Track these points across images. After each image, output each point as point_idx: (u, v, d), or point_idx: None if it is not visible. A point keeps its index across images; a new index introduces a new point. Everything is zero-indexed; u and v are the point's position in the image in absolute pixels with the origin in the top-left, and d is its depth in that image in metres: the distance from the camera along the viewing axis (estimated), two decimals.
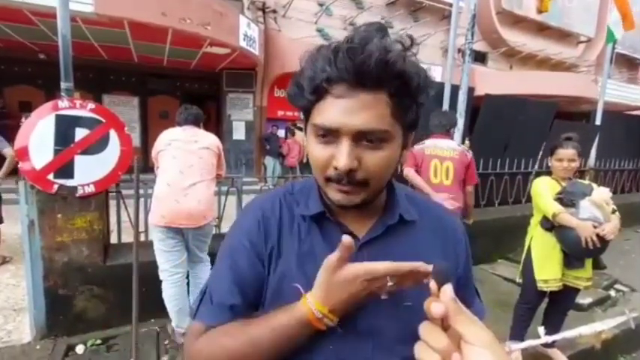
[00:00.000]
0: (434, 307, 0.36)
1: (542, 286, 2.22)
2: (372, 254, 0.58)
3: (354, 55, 0.48)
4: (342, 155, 0.51)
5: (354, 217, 0.62)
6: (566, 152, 2.15)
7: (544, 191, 2.20)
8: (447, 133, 2.81)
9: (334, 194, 0.55)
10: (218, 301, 0.60)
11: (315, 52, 0.53)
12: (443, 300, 0.37)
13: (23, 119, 3.68)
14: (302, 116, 0.60)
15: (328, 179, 0.54)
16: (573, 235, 2.03)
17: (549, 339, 1.65)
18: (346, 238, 0.48)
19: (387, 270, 0.48)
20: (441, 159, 2.69)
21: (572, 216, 2.05)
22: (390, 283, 0.48)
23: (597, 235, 1.96)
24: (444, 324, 0.36)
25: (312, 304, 0.51)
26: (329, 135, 0.52)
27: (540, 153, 4.62)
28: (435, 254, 0.61)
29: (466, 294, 0.67)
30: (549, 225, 2.19)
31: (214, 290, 0.62)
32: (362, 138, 0.51)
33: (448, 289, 0.37)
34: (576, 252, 2.11)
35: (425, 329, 0.37)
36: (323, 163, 0.54)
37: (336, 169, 0.52)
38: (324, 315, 0.51)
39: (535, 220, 2.32)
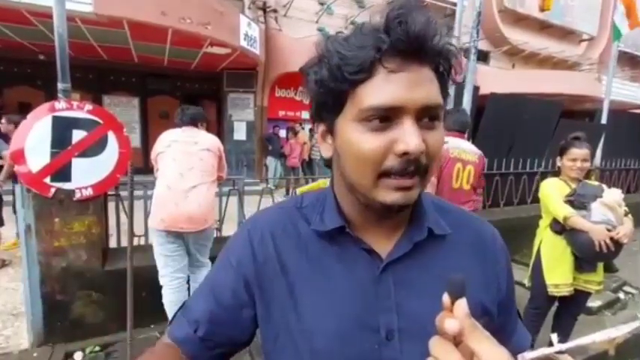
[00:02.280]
0: (448, 323, 0.33)
1: (552, 290, 2.16)
2: (398, 276, 0.51)
3: (411, 23, 0.42)
4: (412, 136, 0.43)
5: (377, 232, 0.53)
6: (581, 152, 2.09)
7: (553, 193, 2.14)
8: (463, 133, 2.63)
9: (390, 194, 0.46)
10: (189, 317, 0.56)
11: (348, 34, 0.46)
12: (457, 315, 0.34)
13: (3, 121, 3.65)
14: (313, 112, 0.51)
15: (384, 174, 0.45)
16: (585, 239, 1.97)
17: (563, 347, 1.58)
18: None
19: None
20: (464, 163, 2.50)
21: (584, 219, 2.00)
22: None
23: (611, 239, 1.90)
24: (456, 339, 0.34)
25: None
26: (384, 118, 0.44)
27: (546, 153, 4.56)
28: (474, 275, 0.54)
29: (508, 320, 0.59)
30: (559, 228, 2.13)
31: (189, 305, 0.58)
32: (423, 116, 0.45)
33: (462, 304, 0.34)
34: (589, 256, 2.05)
35: (435, 344, 0.35)
36: (379, 153, 0.44)
37: (403, 154, 0.43)
38: None
39: (544, 223, 2.26)
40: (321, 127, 0.52)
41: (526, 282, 2.39)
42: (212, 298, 0.55)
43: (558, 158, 2.22)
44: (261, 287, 0.53)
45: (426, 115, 0.45)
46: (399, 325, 0.49)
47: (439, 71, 0.47)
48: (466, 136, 2.71)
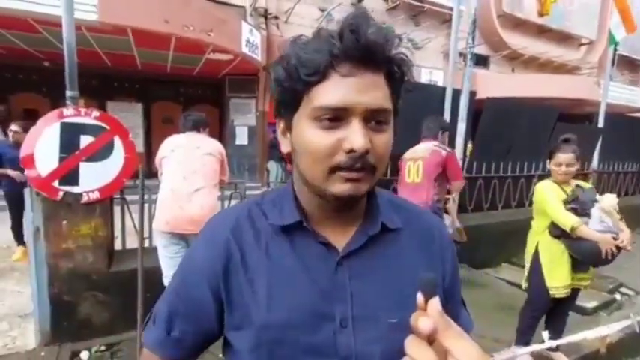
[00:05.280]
0: (422, 322, 0.34)
1: (554, 292, 2.19)
2: (353, 267, 0.55)
3: (361, 33, 0.46)
4: (357, 135, 0.47)
5: (333, 226, 0.57)
6: (565, 157, 2.12)
7: (552, 199, 2.13)
8: (434, 137, 2.80)
9: (340, 186, 0.49)
10: (159, 324, 0.58)
11: (312, 36, 0.50)
12: (430, 314, 0.35)
13: (13, 128, 3.78)
14: (274, 109, 0.56)
15: (335, 169, 0.49)
16: (588, 246, 2.01)
17: (554, 343, 1.64)
18: None
19: None
20: (414, 160, 2.76)
21: (587, 226, 2.02)
22: None
23: (615, 246, 1.96)
24: (430, 337, 0.35)
25: None
26: (335, 117, 0.48)
27: (543, 156, 4.61)
28: (421, 265, 0.58)
29: (452, 306, 0.63)
30: (559, 232, 2.14)
31: (158, 312, 0.60)
32: (371, 119, 0.49)
33: (435, 303, 0.35)
34: (590, 260, 2.11)
35: (410, 343, 0.36)
36: (329, 150, 0.48)
37: (350, 151, 0.47)
38: None
39: (540, 226, 2.26)
40: (282, 124, 0.56)
41: (523, 283, 2.41)
42: (177, 298, 0.58)
43: (548, 161, 2.26)
44: (225, 281, 0.55)
45: (374, 118, 0.49)
46: (353, 314, 0.53)
47: (391, 77, 0.50)
48: (441, 137, 2.84)
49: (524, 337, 2.32)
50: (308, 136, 0.50)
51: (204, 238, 0.60)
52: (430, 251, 0.61)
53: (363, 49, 0.47)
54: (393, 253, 0.57)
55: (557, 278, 2.18)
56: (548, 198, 2.15)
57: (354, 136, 0.47)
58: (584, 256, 2.09)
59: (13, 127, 3.83)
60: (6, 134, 6.82)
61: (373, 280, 0.55)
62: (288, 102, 0.52)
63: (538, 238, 2.28)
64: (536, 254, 2.27)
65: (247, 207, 0.60)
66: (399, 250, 0.58)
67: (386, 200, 0.61)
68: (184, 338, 0.57)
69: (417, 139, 2.86)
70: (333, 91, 0.48)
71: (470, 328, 0.66)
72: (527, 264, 2.34)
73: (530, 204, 4.43)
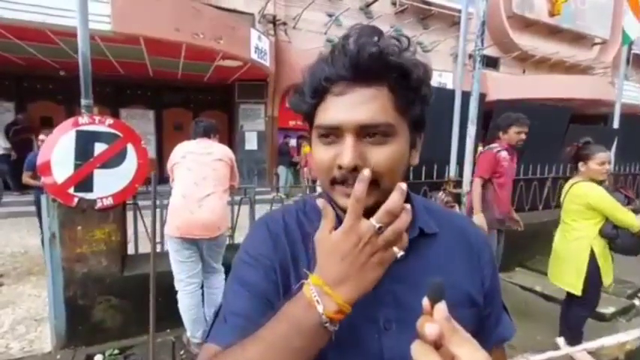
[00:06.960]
0: (428, 328, 0.35)
1: (609, 290, 2.31)
2: (394, 272, 0.53)
3: (349, 51, 0.49)
4: (345, 152, 0.49)
5: None
6: (607, 155, 2.21)
7: (616, 202, 2.20)
8: (494, 139, 2.89)
9: (340, 199, 0.52)
10: (232, 319, 0.55)
11: (315, 60, 0.54)
12: (436, 319, 0.35)
13: (42, 137, 3.83)
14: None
15: (333, 181, 0.52)
16: (635, 241, 2.16)
17: (570, 350, 1.61)
18: (320, 201, 0.47)
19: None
20: None
21: None
22: (377, 225, 0.43)
23: None
24: (437, 343, 0.35)
25: (311, 282, 0.45)
26: (332, 135, 0.51)
27: (560, 158, 4.54)
28: (460, 268, 0.60)
29: (492, 311, 0.63)
30: (615, 232, 2.20)
31: (228, 309, 0.57)
32: (365, 134, 0.50)
33: (442, 308, 0.36)
34: (630, 253, 2.25)
35: (417, 349, 0.36)
36: (327, 164, 0.52)
37: (340, 168, 0.50)
38: (325, 292, 0.44)
39: (594, 230, 2.25)
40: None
41: (568, 287, 2.33)
42: (247, 293, 0.56)
43: (581, 163, 2.28)
44: (282, 276, 0.56)
45: (369, 133, 0.50)
46: (396, 317, 0.54)
47: (396, 88, 0.51)
48: (504, 135, 2.90)
49: (578, 336, 2.28)
50: (315, 151, 0.55)
51: (258, 234, 0.61)
52: (468, 254, 0.62)
53: (351, 67, 0.49)
54: (431, 257, 0.59)
55: (610, 274, 2.27)
56: (612, 200, 2.20)
57: (343, 152, 0.50)
58: (627, 251, 2.24)
59: (42, 137, 3.90)
60: (23, 140, 7.08)
61: (414, 283, 0.55)
62: (307, 119, 0.57)
63: (591, 242, 2.26)
64: (592, 258, 2.24)
65: (295, 212, 0.63)
66: (436, 254, 0.59)
67: (421, 206, 0.63)
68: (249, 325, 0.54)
69: (427, 144, 2.88)
70: (327, 110, 0.52)
71: (510, 334, 0.65)
72: (579, 272, 2.26)
73: (544, 207, 4.38)
